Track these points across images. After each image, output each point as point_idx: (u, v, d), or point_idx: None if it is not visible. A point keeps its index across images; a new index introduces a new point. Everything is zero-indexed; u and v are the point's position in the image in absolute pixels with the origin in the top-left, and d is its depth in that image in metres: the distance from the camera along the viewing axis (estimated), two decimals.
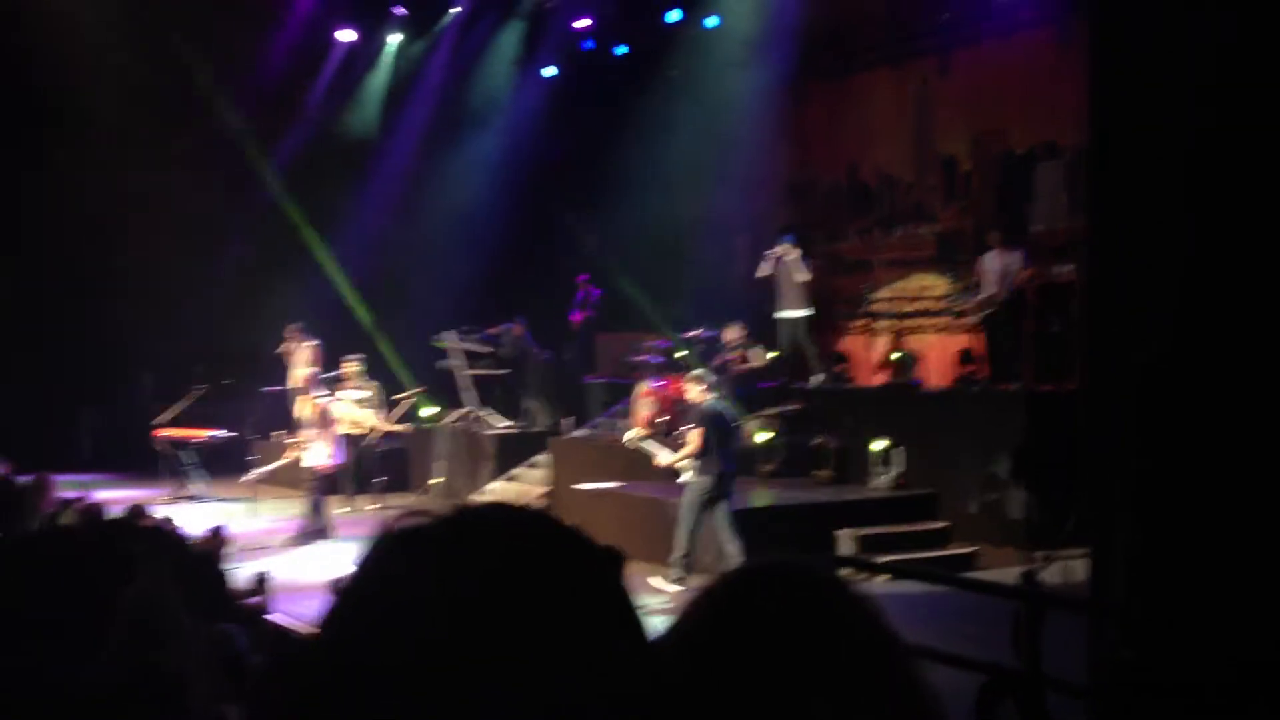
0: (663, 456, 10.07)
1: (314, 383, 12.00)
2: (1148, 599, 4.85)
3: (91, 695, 2.38)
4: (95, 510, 6.14)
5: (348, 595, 0.78)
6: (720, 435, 9.45)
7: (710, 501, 9.35)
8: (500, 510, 0.82)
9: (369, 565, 0.79)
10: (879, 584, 8.78)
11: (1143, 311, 6.31)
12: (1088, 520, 6.29)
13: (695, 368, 13.46)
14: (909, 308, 15.16)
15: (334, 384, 13.67)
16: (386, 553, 0.79)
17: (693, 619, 0.99)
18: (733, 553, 9.05)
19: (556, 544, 0.80)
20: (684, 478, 9.70)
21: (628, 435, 10.70)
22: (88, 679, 2.44)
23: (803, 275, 13.77)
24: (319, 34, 17.10)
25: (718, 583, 1.04)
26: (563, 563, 0.79)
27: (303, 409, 11.95)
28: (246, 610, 5.62)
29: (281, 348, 14.74)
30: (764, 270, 13.93)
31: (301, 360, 14.10)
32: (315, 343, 14.51)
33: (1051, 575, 6.39)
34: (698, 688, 0.92)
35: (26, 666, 1.73)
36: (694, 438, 9.48)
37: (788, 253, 13.79)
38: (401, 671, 0.72)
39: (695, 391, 9.77)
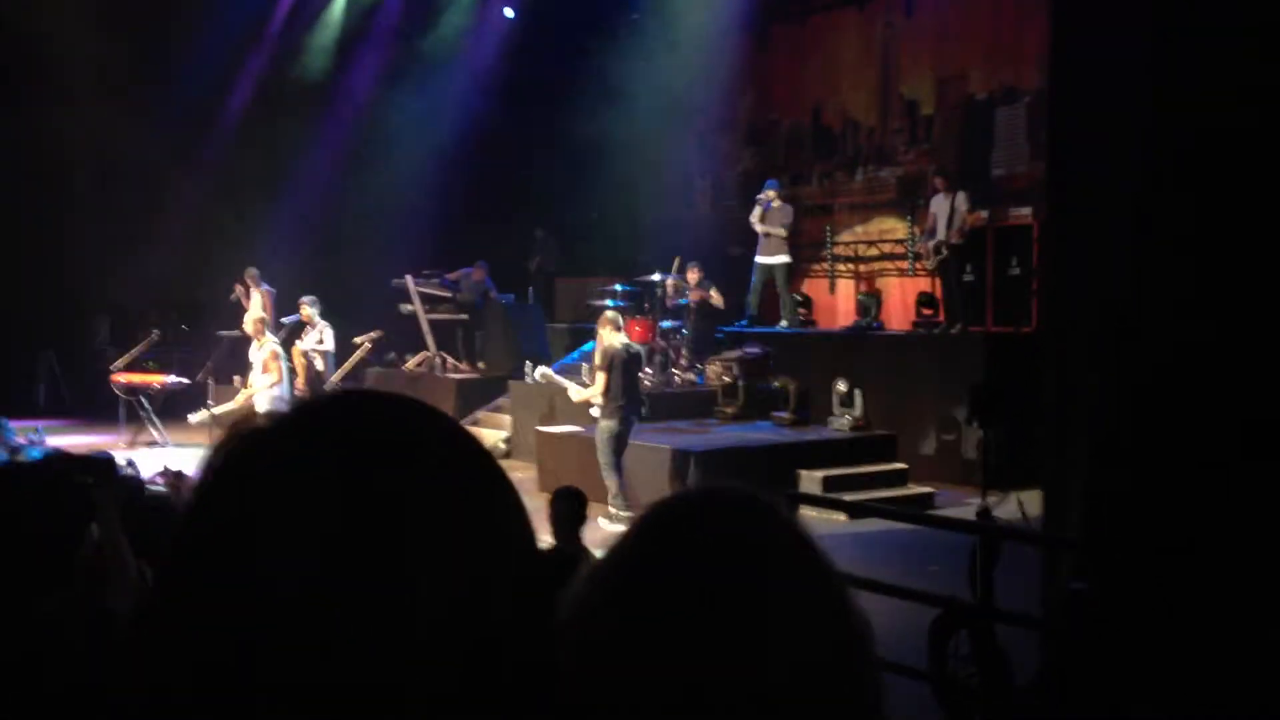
0: (573, 391, 10.03)
1: (264, 327, 11.86)
2: (1101, 532, 4.95)
3: (46, 628, 2.37)
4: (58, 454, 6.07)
5: (202, 496, 0.74)
6: (627, 377, 9.56)
7: (619, 439, 9.50)
8: (357, 395, 0.78)
9: (222, 457, 0.73)
10: (842, 522, 8.90)
11: (1100, 254, 6.37)
12: (1044, 459, 6.39)
13: (655, 311, 13.50)
14: (870, 251, 15.21)
15: (298, 329, 13.53)
16: (242, 446, 0.74)
17: (624, 543, 0.99)
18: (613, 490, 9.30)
19: (417, 420, 0.77)
20: (595, 412, 9.78)
21: (539, 370, 10.53)
22: (44, 612, 2.43)
23: (780, 226, 13.81)
24: None
25: (653, 506, 1.03)
26: (429, 439, 0.76)
27: (254, 353, 11.83)
28: None
29: (237, 293, 14.57)
30: (755, 215, 13.95)
31: (254, 306, 13.96)
32: (269, 289, 14.36)
33: (1006, 511, 6.51)
34: (625, 611, 0.92)
35: None
36: (600, 378, 9.52)
37: (773, 199, 13.82)
38: (272, 573, 0.68)
39: (606, 332, 9.72)
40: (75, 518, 1.88)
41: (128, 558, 2.10)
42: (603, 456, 9.52)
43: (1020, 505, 6.50)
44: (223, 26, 16.03)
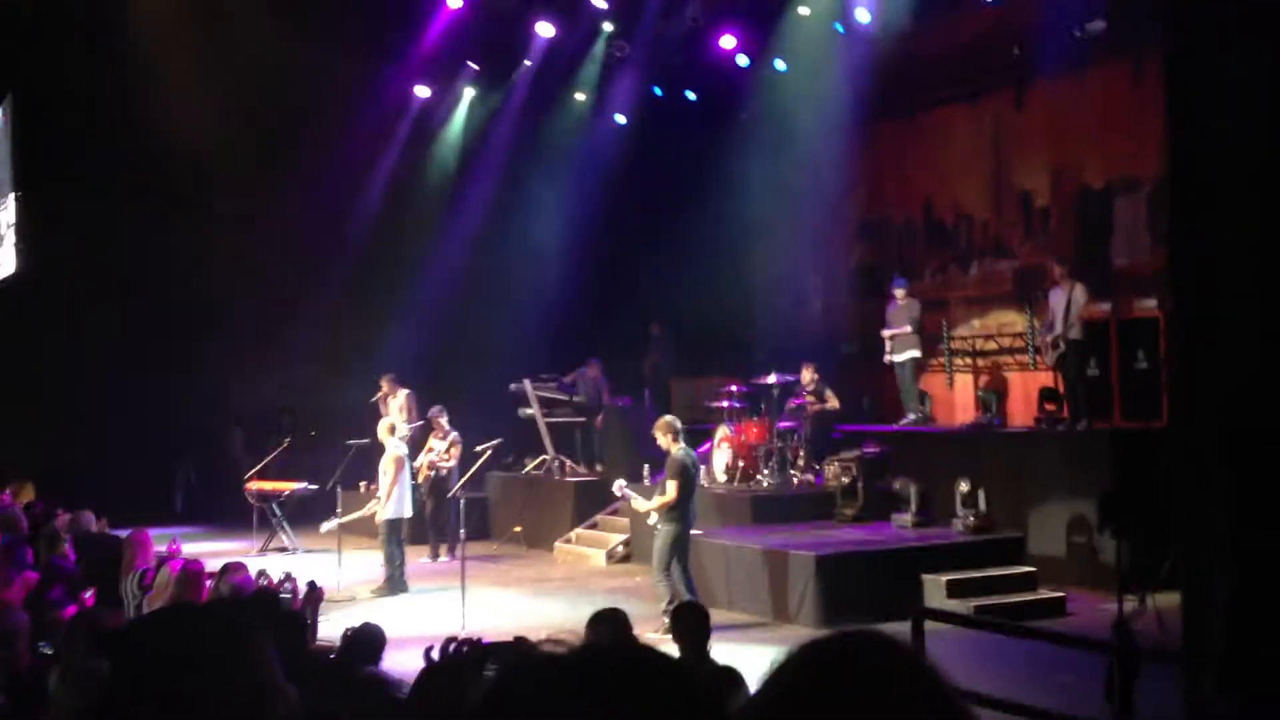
0: (638, 503, 9.87)
1: (392, 433, 12.14)
2: (1245, 648, 4.72)
3: None
4: (195, 568, 6.32)
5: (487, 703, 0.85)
6: (691, 485, 9.45)
7: (679, 549, 9.34)
8: (622, 653, 0.89)
9: (506, 682, 0.86)
10: (968, 629, 8.64)
11: (1229, 347, 6.19)
12: (1181, 564, 6.14)
13: (771, 412, 13.46)
14: (988, 345, 14.97)
15: (425, 433, 13.87)
16: (521, 677, 0.86)
17: (771, 689, 1.04)
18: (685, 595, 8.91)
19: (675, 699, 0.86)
20: (652, 520, 9.63)
21: (617, 484, 10.39)
22: None
23: (906, 322, 13.81)
24: (396, 92, 17.50)
25: (794, 655, 1.08)
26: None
27: (381, 460, 12.10)
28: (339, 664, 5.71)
29: (377, 396, 14.78)
30: (890, 314, 14.01)
31: (394, 409, 14.15)
32: (409, 392, 14.60)
33: (1145, 622, 6.25)
34: None
35: None
36: (671, 489, 9.34)
37: (901, 297, 13.84)
38: None
39: (666, 440, 9.57)
40: (233, 654, 1.99)
41: (283, 689, 2.23)
42: (660, 563, 9.32)
43: (1159, 615, 6.22)
44: (351, 140, 16.80)
